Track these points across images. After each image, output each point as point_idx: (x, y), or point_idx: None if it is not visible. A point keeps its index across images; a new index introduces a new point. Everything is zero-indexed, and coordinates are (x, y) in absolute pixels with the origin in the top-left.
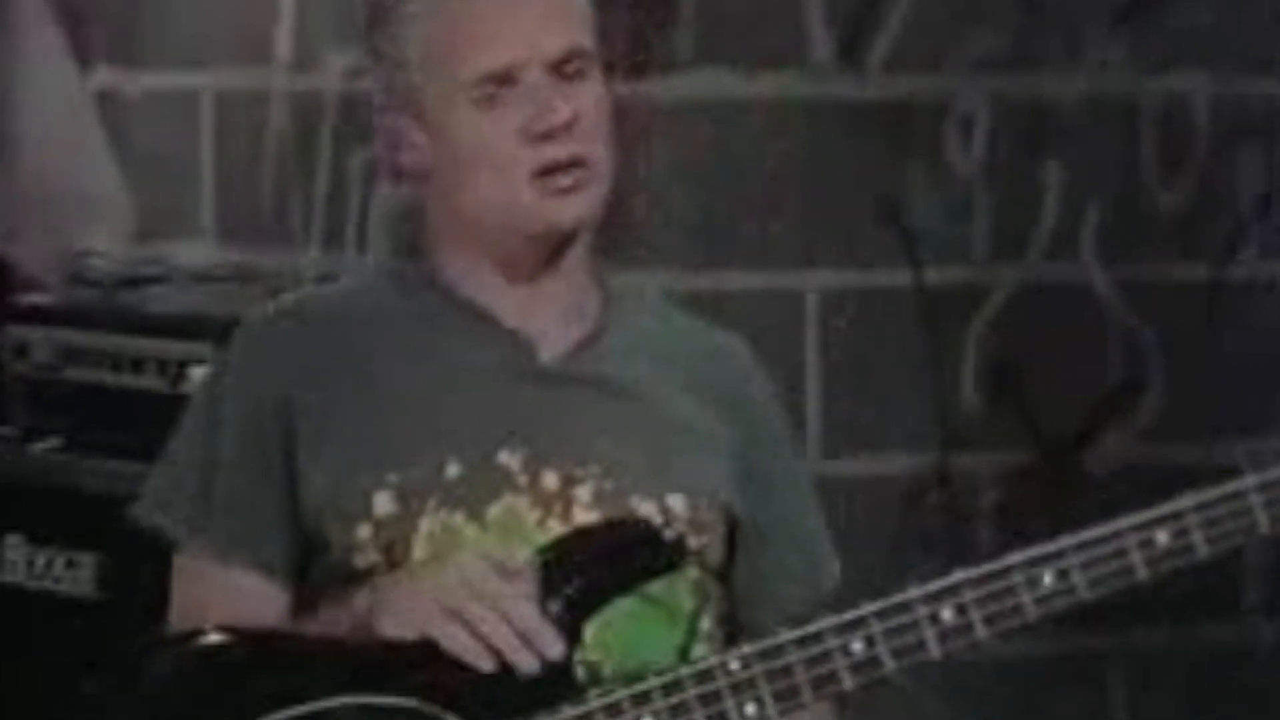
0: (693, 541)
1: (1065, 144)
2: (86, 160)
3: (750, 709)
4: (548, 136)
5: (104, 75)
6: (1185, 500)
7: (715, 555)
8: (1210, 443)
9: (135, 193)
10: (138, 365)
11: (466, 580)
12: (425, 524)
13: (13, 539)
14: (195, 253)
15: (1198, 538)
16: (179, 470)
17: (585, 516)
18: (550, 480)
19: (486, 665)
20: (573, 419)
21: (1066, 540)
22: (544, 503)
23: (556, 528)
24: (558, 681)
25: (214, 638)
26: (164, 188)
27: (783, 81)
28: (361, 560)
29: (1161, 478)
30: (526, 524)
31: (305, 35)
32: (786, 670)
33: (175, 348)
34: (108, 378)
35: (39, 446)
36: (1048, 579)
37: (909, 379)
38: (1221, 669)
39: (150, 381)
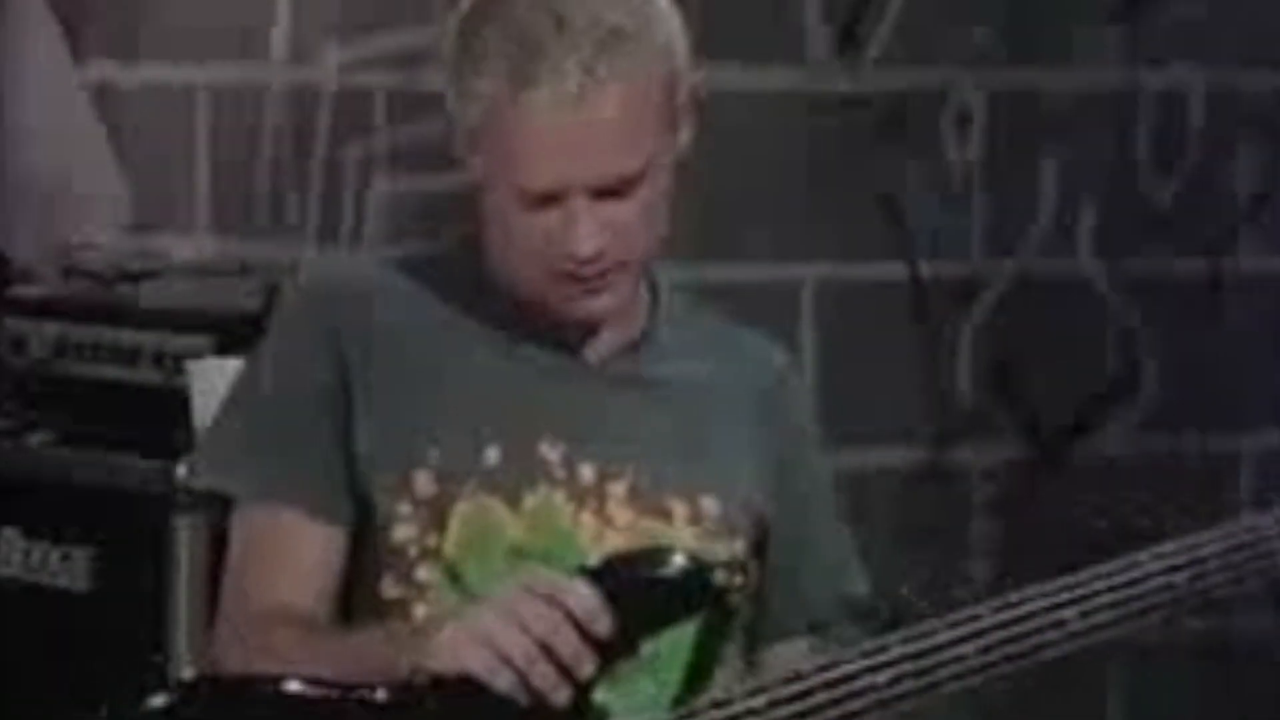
0: (723, 546)
1: (1061, 139)
2: (83, 154)
3: None
4: (575, 260)
5: (101, 69)
6: (1207, 541)
7: (744, 559)
8: (1206, 437)
9: (131, 186)
10: (134, 358)
11: (507, 606)
12: (462, 506)
13: (8, 532)
14: (191, 246)
15: (1218, 580)
16: (233, 430)
17: (620, 512)
18: (587, 474)
19: (523, 699)
20: (612, 416)
21: (1091, 577)
22: (579, 496)
23: (590, 521)
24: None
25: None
26: (160, 181)
27: (779, 76)
28: (399, 533)
29: (1157, 472)
30: (562, 516)
31: (302, 29)
32: (813, 711)
33: (171, 341)
34: (104, 371)
35: (35, 439)
36: (1071, 617)
37: (905, 372)
38: (1220, 665)
39: (146, 375)
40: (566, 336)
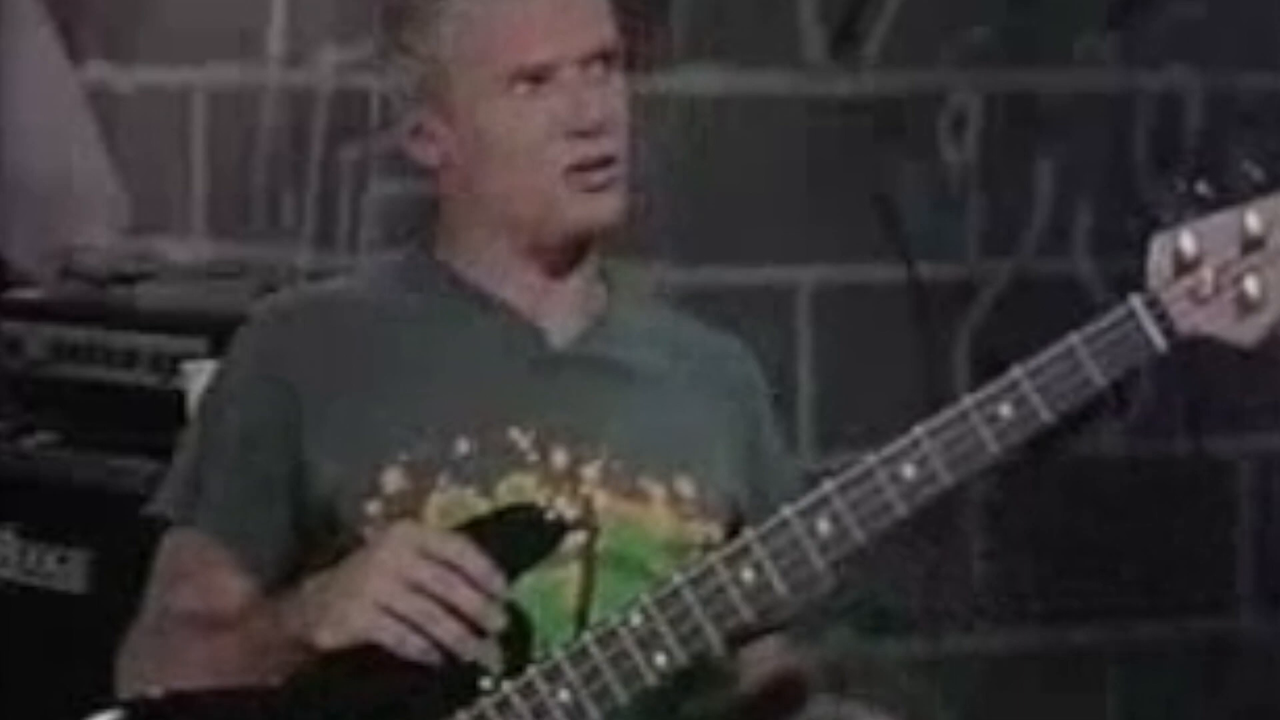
0: (698, 527)
1: (1057, 139)
2: (79, 156)
3: (660, 660)
4: (581, 133)
5: (97, 71)
6: (1018, 370)
7: (719, 543)
8: (1201, 437)
9: (128, 188)
10: (130, 360)
11: (399, 574)
12: (436, 499)
13: (5, 534)
14: (187, 248)
15: (1038, 403)
16: (182, 464)
17: (594, 495)
18: (560, 459)
19: (434, 659)
20: (583, 400)
21: (918, 430)
22: (553, 481)
23: (564, 506)
24: (468, 675)
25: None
26: (156, 183)
27: (775, 77)
28: (369, 528)
29: (1153, 472)
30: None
31: (297, 31)
32: (686, 613)
33: (168, 343)
34: (100, 373)
35: (32, 441)
36: (909, 472)
37: (903, 373)
38: (1218, 664)
39: (143, 377)
40: (536, 314)
